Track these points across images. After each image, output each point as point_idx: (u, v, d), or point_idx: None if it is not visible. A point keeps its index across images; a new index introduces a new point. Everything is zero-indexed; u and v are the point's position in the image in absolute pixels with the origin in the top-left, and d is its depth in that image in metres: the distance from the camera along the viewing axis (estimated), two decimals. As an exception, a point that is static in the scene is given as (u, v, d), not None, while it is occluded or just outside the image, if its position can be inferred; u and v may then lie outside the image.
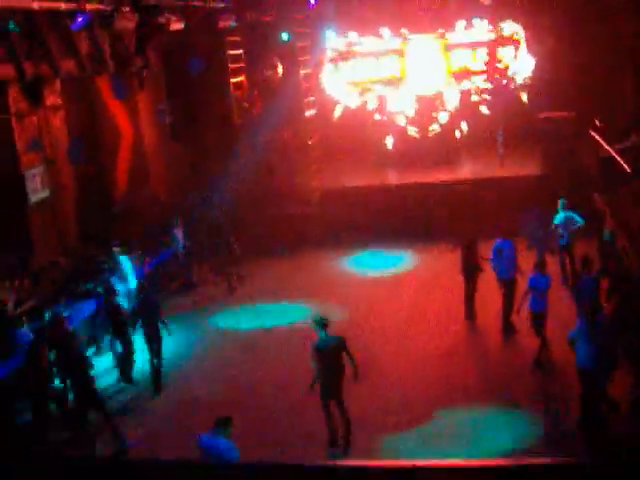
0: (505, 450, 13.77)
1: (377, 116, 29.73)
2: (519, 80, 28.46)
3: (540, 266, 17.25)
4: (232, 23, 26.06)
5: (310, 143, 28.98)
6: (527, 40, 28.44)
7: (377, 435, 14.66)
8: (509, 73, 28.54)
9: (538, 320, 16.96)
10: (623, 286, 16.86)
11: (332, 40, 29.01)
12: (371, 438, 14.52)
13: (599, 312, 14.59)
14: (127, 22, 21.22)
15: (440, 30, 28.95)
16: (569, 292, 19.17)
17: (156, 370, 17.55)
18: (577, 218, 20.78)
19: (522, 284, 17.75)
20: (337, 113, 29.80)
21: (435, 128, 29.63)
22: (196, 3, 23.39)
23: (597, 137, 22.40)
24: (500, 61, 28.37)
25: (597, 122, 23.76)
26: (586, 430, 13.99)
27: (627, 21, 25.35)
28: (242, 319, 21.31)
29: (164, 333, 17.71)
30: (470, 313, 19.95)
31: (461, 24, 28.87)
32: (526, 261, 18.59)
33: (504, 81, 28.56)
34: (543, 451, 13.69)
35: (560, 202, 21.03)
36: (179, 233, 23.52)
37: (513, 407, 15.40)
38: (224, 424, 11.37)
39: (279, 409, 16.05)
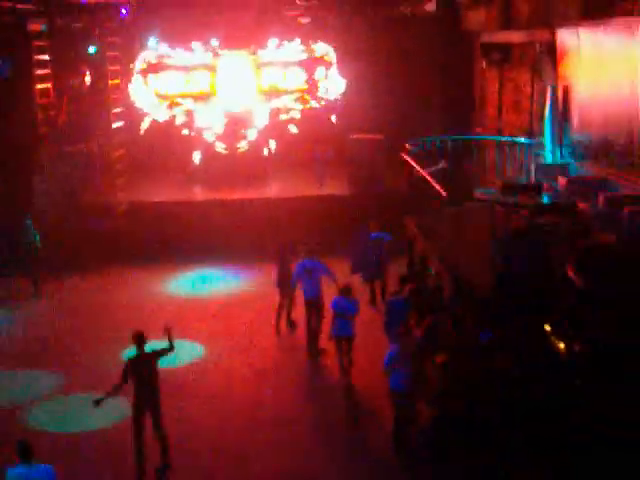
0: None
1: (185, 131, 29.39)
2: (330, 100, 28.89)
3: (345, 289, 17.06)
4: (42, 27, 25.05)
5: (116, 155, 28.20)
6: (338, 61, 28.90)
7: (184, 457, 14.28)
8: (320, 94, 28.90)
9: (343, 344, 16.93)
10: (434, 309, 17.07)
11: (143, 51, 28.47)
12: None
13: (409, 335, 14.71)
14: None
15: (252, 47, 28.98)
16: (379, 314, 19.29)
17: None
18: (388, 238, 21.12)
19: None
20: (144, 126, 29.21)
21: (243, 145, 29.57)
22: (4, 4, 22.33)
23: (409, 160, 22.84)
24: (314, 81, 28.71)
25: (408, 145, 24.27)
26: (398, 449, 14.15)
27: (436, 48, 26.13)
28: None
29: None
30: (278, 329, 19.96)
31: (273, 42, 29.00)
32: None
33: (315, 102, 28.92)
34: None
35: (373, 222, 21.35)
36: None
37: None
38: (26, 453, 10.54)
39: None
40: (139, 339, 13.60)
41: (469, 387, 13.04)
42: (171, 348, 13.75)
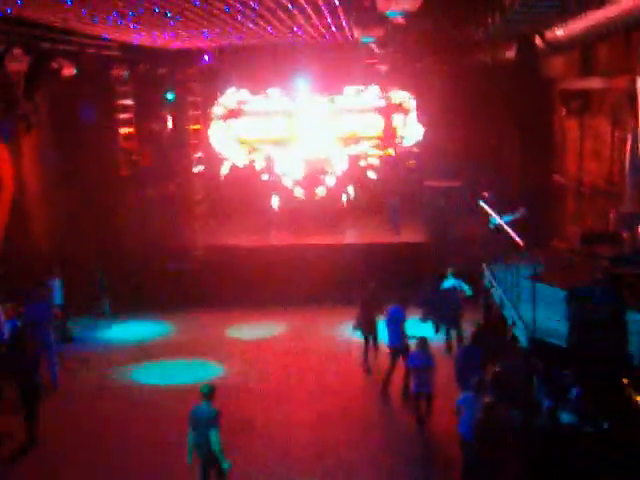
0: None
1: (265, 176, 29.67)
2: (408, 147, 28.96)
3: (421, 343, 16.68)
4: (125, 73, 25.61)
5: (196, 199, 28.56)
6: (416, 108, 28.96)
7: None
8: (398, 140, 28.97)
9: (421, 401, 16.61)
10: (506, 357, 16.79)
11: (223, 97, 28.94)
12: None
13: (482, 383, 14.44)
14: (18, 64, 20.57)
15: (330, 93, 29.22)
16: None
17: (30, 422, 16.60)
18: (465, 286, 20.92)
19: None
20: (225, 170, 29.60)
21: (322, 191, 29.72)
22: (90, 50, 22.84)
23: (486, 208, 22.67)
24: (392, 128, 28.83)
25: (485, 193, 24.11)
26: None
27: (514, 95, 25.96)
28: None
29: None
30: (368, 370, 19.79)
31: (351, 89, 29.18)
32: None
33: (393, 149, 29.03)
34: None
35: (449, 270, 21.20)
36: (56, 284, 22.63)
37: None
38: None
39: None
40: (208, 393, 13.31)
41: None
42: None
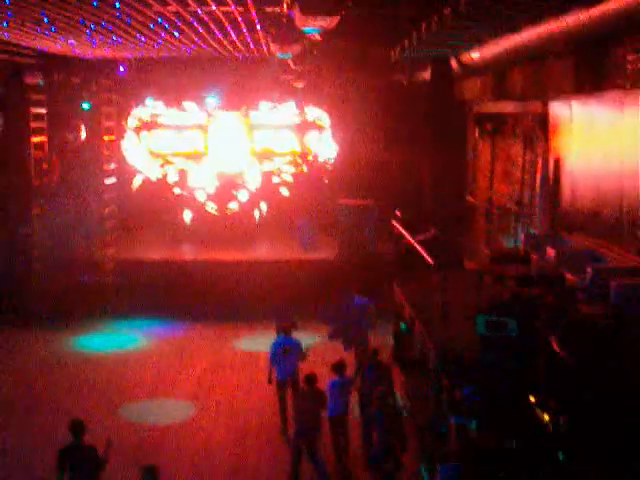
0: None
1: (177, 190, 29.45)
2: (322, 165, 29.05)
3: (339, 368, 16.09)
4: (39, 80, 25.09)
5: (106, 212, 28.15)
6: (331, 126, 29.10)
7: None
8: (312, 157, 29.06)
9: (335, 425, 16.00)
10: (420, 374, 16.90)
11: (137, 109, 28.68)
12: None
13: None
14: None
15: (244, 109, 29.19)
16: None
17: None
18: (370, 304, 20.82)
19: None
20: (136, 183, 29.31)
21: (234, 206, 29.61)
22: (2, 56, 22.39)
23: (398, 227, 22.85)
24: (305, 145, 28.92)
25: (398, 212, 24.28)
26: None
27: (429, 116, 26.22)
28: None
29: None
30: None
31: (266, 105, 29.19)
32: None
33: (307, 166, 29.11)
34: None
35: (358, 288, 21.16)
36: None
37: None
38: None
39: None
40: (76, 428, 12.17)
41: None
42: (104, 463, 12.06)
